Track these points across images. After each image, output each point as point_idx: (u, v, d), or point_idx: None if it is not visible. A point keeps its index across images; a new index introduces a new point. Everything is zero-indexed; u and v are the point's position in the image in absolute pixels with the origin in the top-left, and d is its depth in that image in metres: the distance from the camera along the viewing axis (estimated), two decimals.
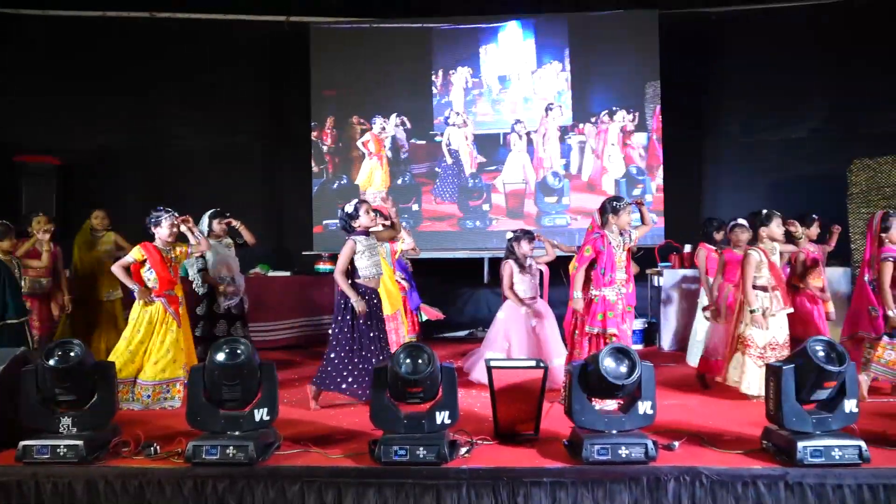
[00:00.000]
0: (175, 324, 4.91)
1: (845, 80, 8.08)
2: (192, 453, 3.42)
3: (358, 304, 4.61)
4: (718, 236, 5.84)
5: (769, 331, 4.77)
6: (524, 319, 5.52)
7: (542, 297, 5.76)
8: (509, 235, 5.75)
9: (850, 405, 3.47)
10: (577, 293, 4.83)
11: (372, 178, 8.47)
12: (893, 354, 4.75)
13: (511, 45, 8.48)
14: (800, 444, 3.33)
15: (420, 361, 3.52)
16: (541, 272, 5.77)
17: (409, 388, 3.51)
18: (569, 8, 8.58)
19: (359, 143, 8.48)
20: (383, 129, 8.47)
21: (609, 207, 4.88)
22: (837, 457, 3.32)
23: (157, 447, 3.61)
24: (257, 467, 3.39)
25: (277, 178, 8.93)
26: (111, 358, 4.70)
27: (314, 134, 8.45)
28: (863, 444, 3.35)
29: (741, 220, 5.36)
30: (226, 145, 8.68)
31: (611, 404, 4.11)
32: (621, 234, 4.87)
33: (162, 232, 4.94)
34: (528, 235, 5.68)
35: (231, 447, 3.41)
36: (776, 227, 4.90)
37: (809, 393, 3.48)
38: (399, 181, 8.48)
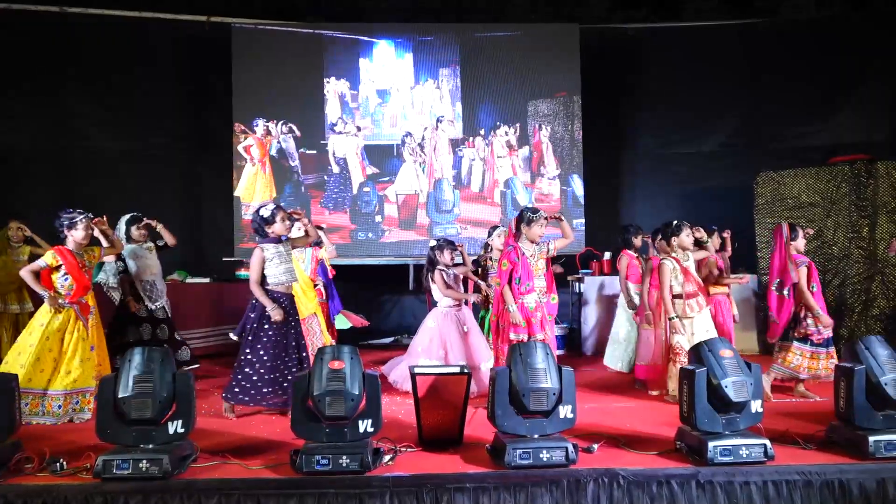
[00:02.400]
0: (86, 332, 4.69)
1: (753, 97, 8.55)
2: (102, 468, 3.26)
3: (274, 313, 4.50)
4: (637, 242, 6.04)
5: (694, 336, 4.94)
6: (457, 326, 5.53)
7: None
8: (432, 244, 5.77)
9: (755, 405, 3.64)
10: (511, 306, 4.86)
11: (254, 186, 8.30)
12: (799, 359, 5.04)
13: (390, 61, 8.58)
14: (710, 444, 3.47)
15: None
16: (465, 281, 5.82)
17: None
18: (468, 19, 8.74)
19: (240, 148, 8.30)
20: (266, 134, 8.31)
21: (524, 218, 4.97)
22: (745, 455, 3.48)
23: (64, 463, 3.43)
24: (172, 481, 3.27)
25: (196, 181, 8.67)
26: (12, 366, 4.42)
27: (235, 137, 8.27)
28: (768, 442, 3.53)
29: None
30: (142, 147, 8.36)
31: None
32: (536, 244, 4.96)
33: (77, 234, 4.70)
34: (450, 245, 5.71)
35: (144, 461, 3.27)
36: (686, 237, 5.13)
37: None
38: (287, 191, 8.36)
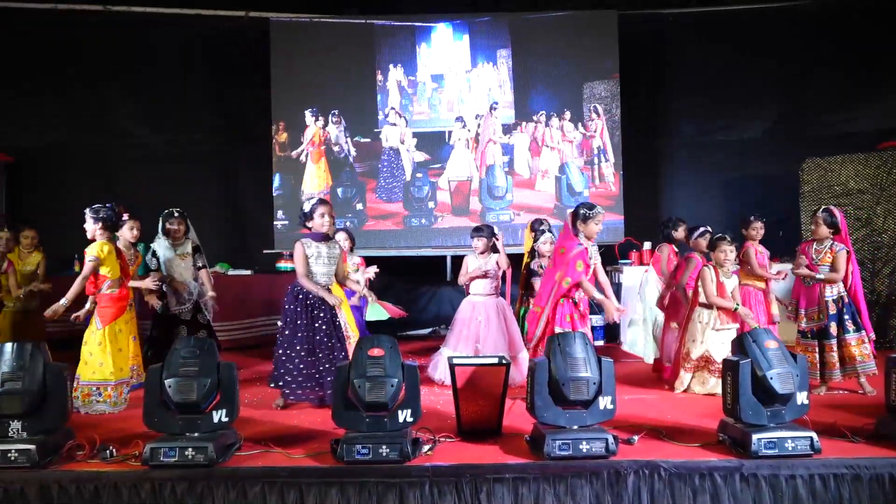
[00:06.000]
0: (134, 323, 4.87)
1: (795, 82, 8.32)
2: (150, 456, 3.35)
3: (330, 298, 4.58)
4: (679, 234, 5.92)
5: (703, 345, 4.92)
6: (472, 317, 5.46)
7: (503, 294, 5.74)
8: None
9: (801, 397, 3.56)
10: (596, 295, 4.79)
11: (313, 176, 8.39)
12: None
13: (447, 44, 8.52)
14: (754, 437, 3.41)
15: None
16: (504, 273, 5.72)
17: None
18: (514, 8, 8.63)
19: (304, 140, 8.38)
20: (324, 126, 8.37)
21: (579, 215, 4.76)
22: (790, 448, 3.41)
23: (113, 450, 3.53)
24: (217, 468, 3.34)
25: (236, 175, 8.79)
26: (91, 365, 4.58)
27: (274, 130, 8.35)
28: (814, 435, 3.45)
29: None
30: (181, 142, 8.52)
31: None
32: (591, 242, 4.82)
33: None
34: (477, 230, 5.60)
35: (190, 449, 3.34)
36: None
37: None
38: (342, 180, 8.41)
